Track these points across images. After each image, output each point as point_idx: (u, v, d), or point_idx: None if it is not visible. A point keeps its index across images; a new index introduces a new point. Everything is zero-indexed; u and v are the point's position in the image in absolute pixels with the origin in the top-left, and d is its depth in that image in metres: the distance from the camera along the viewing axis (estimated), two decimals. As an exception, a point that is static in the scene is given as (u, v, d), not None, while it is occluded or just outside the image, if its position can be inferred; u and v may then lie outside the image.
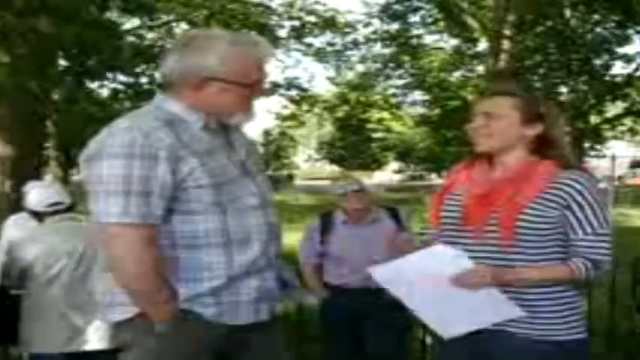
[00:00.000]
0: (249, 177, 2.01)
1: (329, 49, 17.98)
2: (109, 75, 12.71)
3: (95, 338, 3.20)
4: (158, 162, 1.81)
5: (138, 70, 13.01)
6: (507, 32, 13.89)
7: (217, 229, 1.89)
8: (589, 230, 2.03)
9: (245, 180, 1.99)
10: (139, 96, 12.42)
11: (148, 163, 1.79)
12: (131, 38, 13.67)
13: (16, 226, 4.34)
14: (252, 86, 1.96)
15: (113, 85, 13.70)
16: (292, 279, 2.16)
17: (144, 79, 13.33)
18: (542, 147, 2.12)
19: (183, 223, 1.88)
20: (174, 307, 1.87)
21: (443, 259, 2.03)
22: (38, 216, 3.40)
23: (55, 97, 9.85)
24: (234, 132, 2.05)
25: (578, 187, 2.03)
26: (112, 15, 10.16)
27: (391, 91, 21.06)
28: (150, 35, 14.62)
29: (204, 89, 1.92)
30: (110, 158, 1.80)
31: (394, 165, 41.28)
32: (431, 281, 2.05)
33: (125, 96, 13.26)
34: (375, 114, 23.93)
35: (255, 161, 2.11)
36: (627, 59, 17.99)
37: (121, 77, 13.26)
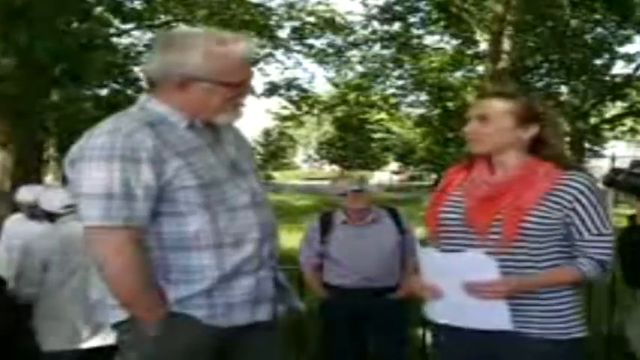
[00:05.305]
0: (240, 175, 1.97)
1: (329, 50, 17.94)
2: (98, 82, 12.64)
3: (106, 334, 3.20)
4: (140, 164, 1.79)
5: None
6: (507, 32, 13.89)
7: (207, 230, 1.86)
8: (594, 231, 2.04)
9: (236, 179, 1.95)
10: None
11: (128, 165, 1.78)
12: (126, 40, 13.62)
13: (17, 226, 4.35)
14: (238, 86, 1.92)
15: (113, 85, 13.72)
16: (284, 281, 2.10)
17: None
18: (539, 147, 2.11)
19: (172, 224, 1.86)
20: (163, 309, 1.85)
21: (471, 264, 2.02)
22: (51, 217, 3.42)
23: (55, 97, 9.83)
24: (223, 130, 2.00)
25: (582, 188, 2.03)
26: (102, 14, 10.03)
27: (391, 91, 21.01)
28: (148, 35, 14.60)
29: (188, 89, 1.88)
30: (91, 161, 1.79)
31: (394, 165, 41.24)
32: (454, 284, 2.04)
33: (124, 97, 13.23)
34: (374, 115, 23.85)
35: (248, 159, 2.06)
36: (628, 59, 17.98)
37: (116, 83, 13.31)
